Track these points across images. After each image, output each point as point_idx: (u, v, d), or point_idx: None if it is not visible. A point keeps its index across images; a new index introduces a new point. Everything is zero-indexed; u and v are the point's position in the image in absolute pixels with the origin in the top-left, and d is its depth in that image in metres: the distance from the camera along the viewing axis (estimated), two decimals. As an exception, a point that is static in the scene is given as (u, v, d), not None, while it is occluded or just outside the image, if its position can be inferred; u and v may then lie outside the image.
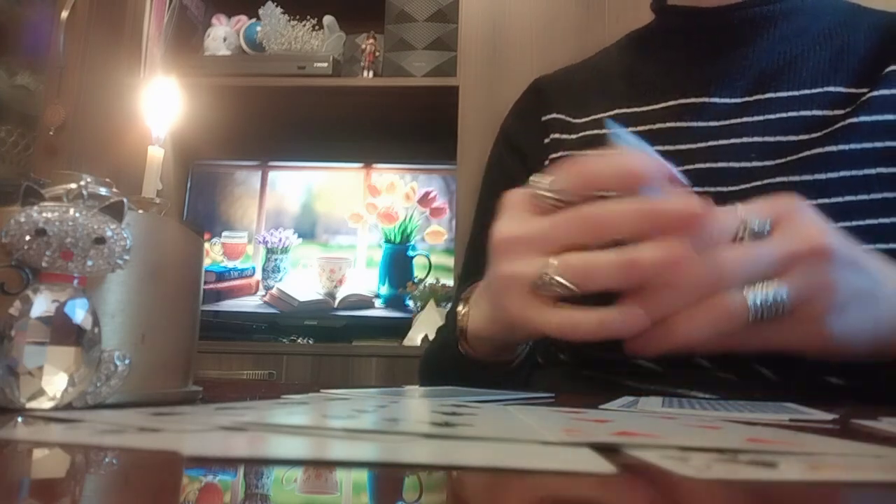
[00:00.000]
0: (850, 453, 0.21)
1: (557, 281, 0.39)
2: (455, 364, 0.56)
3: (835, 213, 0.57)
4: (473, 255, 0.75)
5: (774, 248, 0.41)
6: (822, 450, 0.21)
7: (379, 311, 1.57)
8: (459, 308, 0.55)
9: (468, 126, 1.42)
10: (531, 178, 0.42)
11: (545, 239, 0.40)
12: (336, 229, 1.62)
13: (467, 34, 1.48)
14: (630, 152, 0.41)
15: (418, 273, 1.58)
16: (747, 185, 0.61)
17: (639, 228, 0.38)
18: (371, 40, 1.58)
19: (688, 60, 0.68)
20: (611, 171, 0.40)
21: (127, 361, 0.29)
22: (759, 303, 0.39)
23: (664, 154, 0.42)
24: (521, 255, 0.42)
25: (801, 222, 0.42)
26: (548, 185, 0.41)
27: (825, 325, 0.41)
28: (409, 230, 1.61)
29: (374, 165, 1.65)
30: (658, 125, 0.65)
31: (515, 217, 0.43)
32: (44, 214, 0.28)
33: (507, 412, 0.30)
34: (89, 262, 0.29)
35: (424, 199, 1.62)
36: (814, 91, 0.63)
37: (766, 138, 0.62)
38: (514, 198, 0.44)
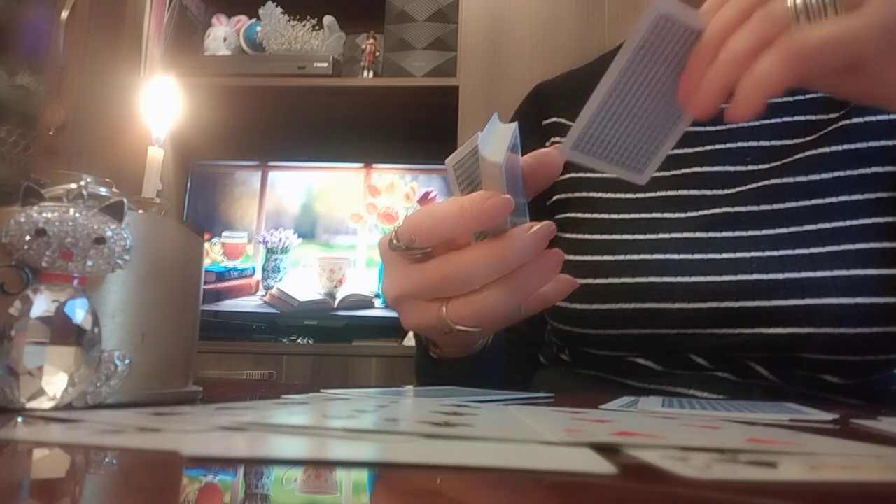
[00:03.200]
0: (850, 453, 0.21)
1: (458, 328, 0.40)
2: (432, 364, 0.56)
3: (830, 213, 0.57)
4: None
5: None
6: (822, 450, 0.21)
7: (379, 311, 1.56)
8: None
9: (468, 126, 1.42)
10: (393, 240, 0.41)
11: (424, 293, 0.41)
12: (336, 229, 1.62)
13: (467, 34, 1.48)
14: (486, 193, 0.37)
15: (418, 273, 1.58)
16: (743, 188, 0.61)
17: (498, 271, 0.38)
18: (371, 40, 1.58)
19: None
20: (452, 221, 0.38)
21: (127, 361, 0.29)
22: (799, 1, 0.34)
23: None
24: (414, 308, 0.42)
25: None
26: (404, 244, 0.40)
27: None
28: (409, 230, 1.60)
29: (374, 165, 1.64)
30: None
31: (392, 271, 0.43)
32: (44, 214, 0.28)
33: (507, 412, 0.30)
34: (89, 262, 0.29)
35: (424, 200, 1.62)
36: (807, 96, 0.64)
37: (762, 142, 0.63)
38: (385, 251, 0.43)
